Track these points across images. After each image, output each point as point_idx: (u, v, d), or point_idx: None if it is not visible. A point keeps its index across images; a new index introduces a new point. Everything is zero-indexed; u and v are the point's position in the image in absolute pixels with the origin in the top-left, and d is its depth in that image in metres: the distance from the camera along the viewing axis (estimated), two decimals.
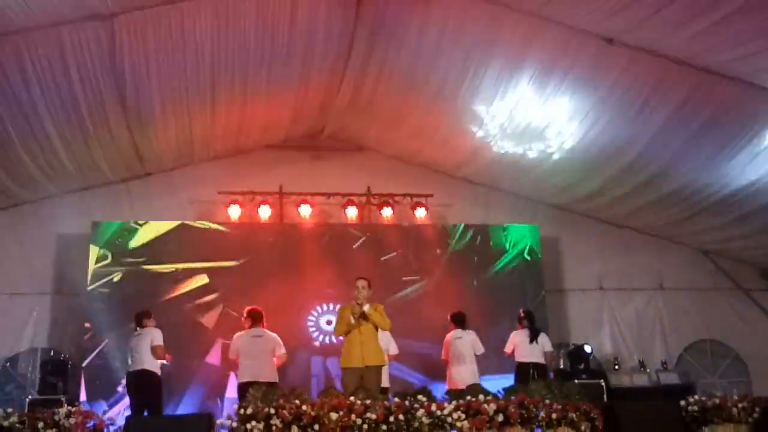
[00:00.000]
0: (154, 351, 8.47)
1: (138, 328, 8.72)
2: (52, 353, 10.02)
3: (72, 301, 10.22)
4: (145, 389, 8.39)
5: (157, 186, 10.95)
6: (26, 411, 7.81)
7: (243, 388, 8.09)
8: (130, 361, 8.56)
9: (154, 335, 8.58)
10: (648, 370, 10.98)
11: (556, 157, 9.88)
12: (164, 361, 8.66)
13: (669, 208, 10.54)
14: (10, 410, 6.12)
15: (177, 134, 9.88)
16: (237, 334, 8.88)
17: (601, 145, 9.37)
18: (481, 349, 9.16)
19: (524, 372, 9.00)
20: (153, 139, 9.81)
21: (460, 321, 9.33)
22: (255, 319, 8.87)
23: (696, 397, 7.20)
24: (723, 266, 11.99)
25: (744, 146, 8.56)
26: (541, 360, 9.28)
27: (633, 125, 8.80)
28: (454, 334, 9.22)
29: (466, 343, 9.12)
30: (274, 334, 8.93)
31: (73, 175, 10.01)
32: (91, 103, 8.32)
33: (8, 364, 9.99)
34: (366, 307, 7.24)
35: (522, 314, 9.64)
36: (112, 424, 6.07)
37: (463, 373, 8.89)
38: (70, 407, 6.26)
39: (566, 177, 10.53)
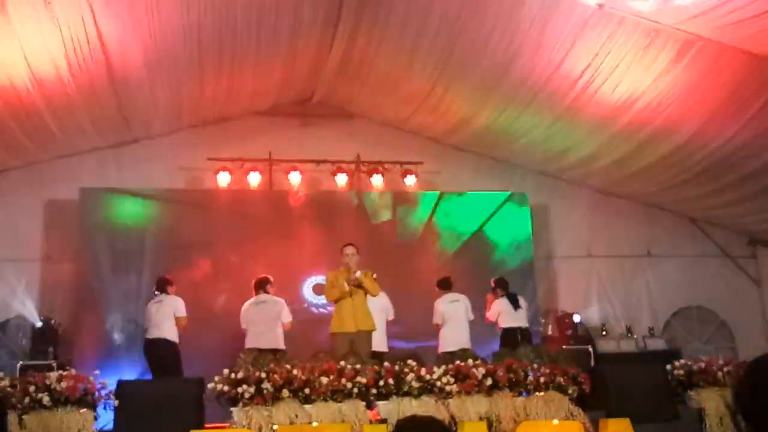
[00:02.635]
0: (178, 321, 8.47)
1: (158, 293, 8.71)
2: (42, 319, 10.01)
3: (61, 267, 10.20)
4: (165, 358, 8.36)
5: (145, 152, 10.85)
6: (17, 376, 7.87)
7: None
8: (148, 328, 8.54)
9: (176, 305, 8.55)
10: (635, 336, 11.09)
11: (542, 127, 9.76)
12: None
13: (659, 175, 10.56)
14: (1, 374, 6.12)
15: (164, 99, 9.79)
16: (245, 303, 8.88)
17: (594, 108, 9.32)
18: (471, 316, 9.21)
19: (512, 337, 9.06)
20: (140, 105, 9.72)
21: (448, 285, 9.38)
22: (259, 285, 8.87)
23: (682, 361, 7.28)
24: (711, 234, 12.08)
25: (735, 111, 8.55)
26: (526, 324, 9.36)
27: (627, 88, 8.76)
28: (449, 297, 9.25)
29: (461, 306, 9.16)
30: (280, 300, 8.91)
31: (60, 141, 9.91)
32: (76, 68, 8.21)
33: None
34: (358, 274, 7.28)
35: (494, 284, 9.65)
36: (103, 388, 6.06)
37: (461, 336, 8.92)
38: (61, 371, 6.27)
39: (557, 144, 10.51)
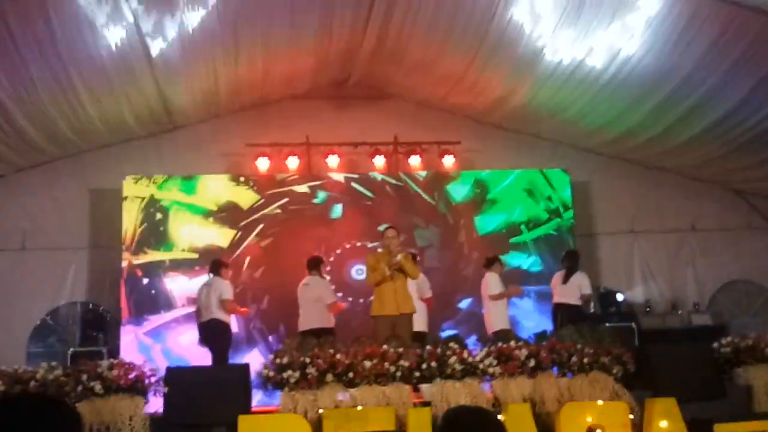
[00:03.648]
0: (223, 305, 8.65)
1: (210, 276, 8.90)
2: (91, 306, 10.26)
3: (108, 254, 10.43)
4: (215, 340, 8.61)
5: (185, 139, 10.99)
6: (69, 363, 8.09)
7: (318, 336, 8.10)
8: (200, 312, 8.78)
9: (222, 289, 8.73)
10: (680, 312, 10.96)
11: (597, 87, 9.55)
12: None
13: (702, 148, 10.35)
14: (54, 364, 6.30)
15: (202, 86, 9.87)
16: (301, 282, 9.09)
17: (635, 81, 9.13)
18: (495, 289, 9.14)
19: (554, 313, 9.05)
20: (179, 92, 9.82)
21: (487, 264, 9.39)
22: (310, 266, 9.05)
23: (729, 338, 7.17)
24: (757, 205, 11.82)
25: None
26: (572, 301, 9.28)
27: (670, 58, 8.58)
28: (490, 277, 9.28)
29: (487, 284, 9.18)
30: (323, 281, 9.05)
31: (102, 131, 10.09)
32: (116, 56, 8.32)
33: (49, 317, 10.26)
34: (399, 257, 7.32)
35: (564, 254, 9.69)
36: (153, 375, 6.21)
37: (490, 317, 8.98)
38: (112, 359, 6.43)
39: (597, 118, 10.35)
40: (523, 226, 10.98)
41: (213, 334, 8.64)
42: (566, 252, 9.88)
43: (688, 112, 9.48)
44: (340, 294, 9.79)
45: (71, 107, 8.98)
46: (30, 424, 1.59)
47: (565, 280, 9.35)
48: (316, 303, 8.80)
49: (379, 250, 7.95)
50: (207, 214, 10.47)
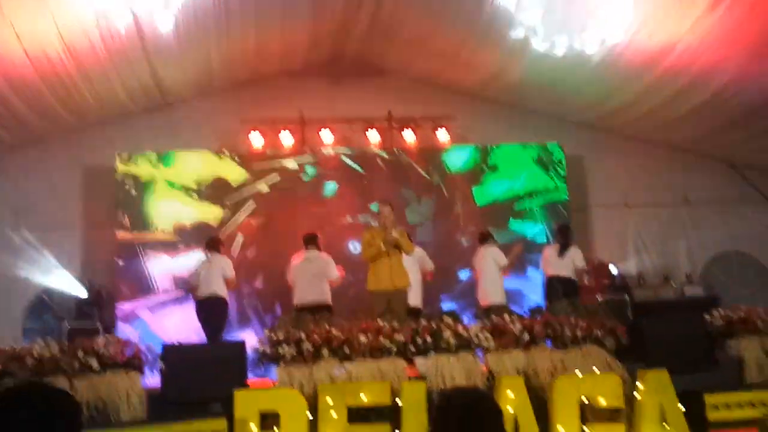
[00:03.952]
0: (227, 283, 8.73)
1: (208, 254, 8.90)
2: (86, 282, 10.27)
3: (102, 232, 10.43)
4: (214, 315, 8.67)
5: (179, 116, 10.92)
6: (65, 339, 8.12)
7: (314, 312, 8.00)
8: (198, 287, 8.75)
9: (225, 267, 8.79)
10: (672, 284, 11.03)
11: (592, 63, 9.55)
12: None
13: (697, 122, 10.34)
14: (50, 340, 6.32)
15: (195, 62, 9.82)
16: (293, 258, 9.00)
17: (631, 55, 9.12)
18: (503, 261, 9.14)
19: (550, 286, 9.09)
20: (172, 68, 9.76)
21: (482, 238, 9.43)
22: (306, 241, 8.99)
23: (721, 311, 7.23)
24: (750, 178, 11.85)
25: None
26: (568, 274, 9.32)
27: (664, 34, 8.56)
28: (479, 252, 9.31)
29: (483, 258, 9.19)
30: (326, 256, 9.04)
31: (95, 108, 10.04)
32: (107, 36, 8.25)
33: (44, 294, 10.26)
34: (394, 233, 7.35)
35: (555, 228, 9.72)
36: (150, 352, 6.24)
37: (488, 290, 8.99)
38: (108, 336, 6.46)
39: (593, 92, 10.34)
40: (525, 198, 11.04)
41: (213, 309, 8.68)
42: (559, 226, 9.93)
43: (683, 88, 9.47)
44: None
45: (62, 83, 8.91)
46: (30, 415, 1.61)
47: (561, 253, 9.37)
48: (316, 277, 8.78)
49: (374, 224, 7.98)
50: (190, 191, 10.47)
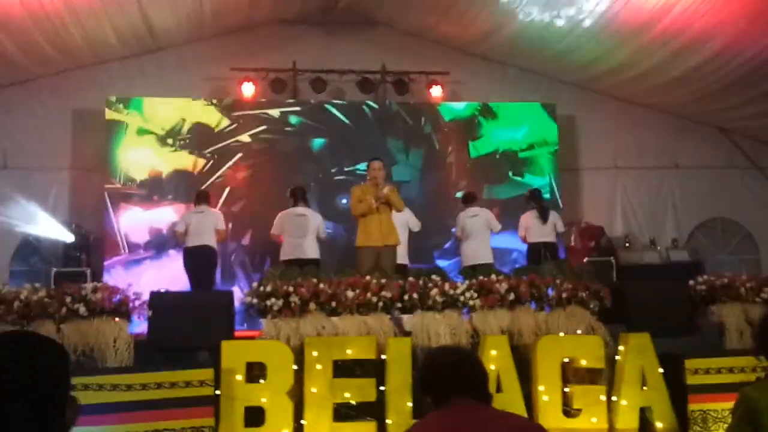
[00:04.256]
0: (218, 234, 8.83)
1: (199, 206, 8.94)
2: (73, 227, 10.24)
3: (90, 176, 10.37)
4: (206, 265, 8.77)
5: (169, 62, 10.79)
6: (52, 283, 8.13)
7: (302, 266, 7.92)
8: (189, 237, 8.75)
9: (217, 219, 8.90)
10: (658, 248, 11.13)
11: (573, 35, 9.52)
12: None
13: (691, 85, 10.33)
14: (38, 285, 6.32)
15: (186, 5, 9.63)
16: (284, 211, 8.89)
17: (626, 17, 9.03)
18: (497, 226, 9.20)
19: (535, 251, 9.13)
20: (163, 11, 9.58)
21: (471, 199, 9.41)
22: (298, 197, 8.93)
23: (705, 276, 7.30)
24: (740, 144, 11.89)
25: None
26: (552, 239, 9.39)
27: None
28: (468, 212, 9.29)
29: (480, 220, 9.20)
30: (317, 214, 9.02)
31: (85, 50, 9.88)
32: None
33: (32, 237, 10.23)
34: (386, 190, 7.33)
35: (527, 194, 9.71)
36: (137, 298, 6.25)
37: (478, 251, 9.01)
38: (95, 283, 6.46)
39: (587, 53, 10.27)
40: (528, 149, 11.05)
41: (204, 258, 8.74)
42: (532, 191, 9.82)
43: (678, 51, 9.41)
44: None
45: (49, 20, 8.73)
46: (18, 364, 1.60)
47: (543, 219, 9.38)
48: (311, 234, 8.79)
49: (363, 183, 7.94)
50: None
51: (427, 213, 9.88)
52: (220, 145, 10.45)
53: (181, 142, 10.40)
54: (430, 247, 10.23)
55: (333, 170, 10.60)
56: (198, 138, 10.42)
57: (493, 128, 11.07)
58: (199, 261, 8.72)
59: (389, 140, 10.79)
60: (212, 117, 10.51)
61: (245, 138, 10.52)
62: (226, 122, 10.51)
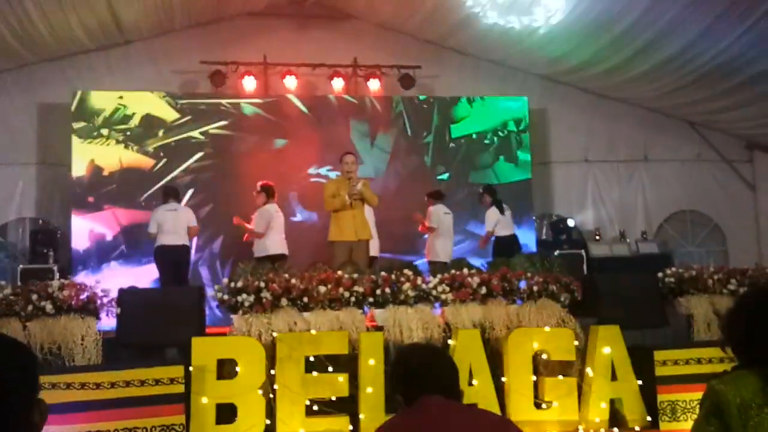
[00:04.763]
0: (191, 230, 8.78)
1: (171, 203, 8.83)
2: (40, 222, 10.08)
3: (57, 171, 10.21)
4: (182, 263, 8.74)
5: (138, 55, 10.65)
6: (19, 280, 7.99)
7: (274, 261, 7.82)
8: (164, 235, 8.63)
9: (189, 216, 8.85)
10: (628, 241, 11.24)
11: (542, 31, 9.63)
12: None
13: (659, 79, 10.43)
14: (2, 282, 6.21)
15: None
16: (265, 207, 8.82)
17: (594, 14, 9.11)
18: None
19: (506, 245, 9.18)
20: (130, 4, 9.44)
21: (441, 196, 9.48)
22: (271, 194, 8.91)
23: (673, 268, 7.38)
24: (708, 138, 12.03)
25: (738, 17, 8.38)
26: (512, 230, 9.51)
27: None
28: (441, 208, 9.32)
29: (451, 219, 9.29)
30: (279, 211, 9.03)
31: (50, 43, 9.70)
32: None
33: None
34: (359, 186, 7.32)
35: (482, 191, 9.72)
36: (105, 296, 6.16)
37: (447, 248, 9.13)
38: (62, 280, 6.36)
39: (557, 47, 10.32)
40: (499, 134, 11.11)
41: (180, 257, 8.70)
42: (486, 186, 9.88)
43: (646, 45, 9.50)
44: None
45: (14, 12, 8.56)
46: None
47: (503, 212, 9.48)
48: (281, 230, 8.81)
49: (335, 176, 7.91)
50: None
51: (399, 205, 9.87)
52: (178, 137, 10.26)
53: (146, 137, 10.19)
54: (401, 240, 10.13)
55: (300, 165, 10.48)
56: (149, 132, 10.22)
57: (465, 122, 11.06)
58: (175, 259, 8.65)
59: (352, 121, 10.70)
60: (168, 112, 10.31)
61: (201, 132, 10.35)
62: (178, 116, 10.30)
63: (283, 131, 10.53)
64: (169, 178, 10.07)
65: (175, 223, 8.65)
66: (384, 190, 9.93)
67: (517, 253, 8.04)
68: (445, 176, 10.78)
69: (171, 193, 8.97)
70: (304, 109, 10.64)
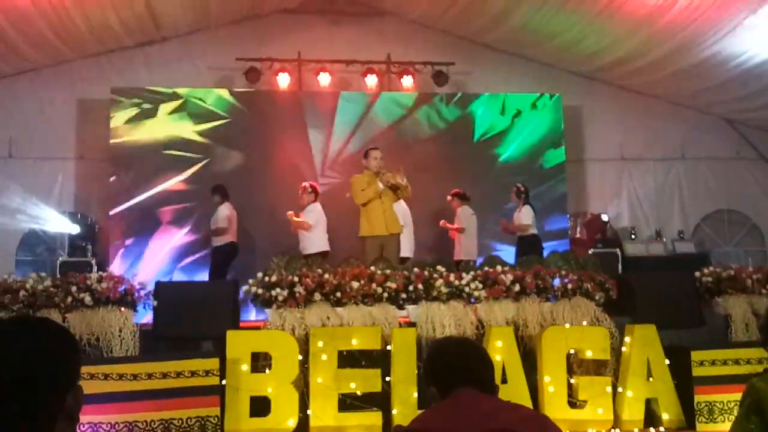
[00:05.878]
0: (214, 231, 9.10)
1: (228, 201, 9.24)
2: (79, 216, 10.24)
3: (96, 166, 10.36)
4: (232, 260, 9.12)
5: (174, 51, 10.76)
6: (58, 273, 8.14)
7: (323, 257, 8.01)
8: (232, 233, 9.15)
9: (218, 214, 9.13)
10: (664, 240, 11.08)
11: (594, 13, 9.41)
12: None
13: (698, 76, 10.25)
14: (43, 274, 6.34)
15: None
16: (314, 204, 8.90)
17: (636, 5, 8.98)
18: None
19: (532, 243, 9.15)
20: (168, 0, 9.55)
21: (466, 198, 9.48)
22: (317, 193, 9.07)
23: (711, 268, 7.27)
24: (747, 136, 11.82)
25: None
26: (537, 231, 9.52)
27: None
28: (468, 209, 9.39)
29: (476, 220, 9.43)
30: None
31: (89, 40, 9.86)
32: None
33: (36, 226, 10.24)
34: (397, 177, 7.34)
35: (522, 188, 9.63)
36: (142, 288, 6.26)
37: (472, 248, 9.23)
38: (101, 272, 6.47)
39: (593, 44, 10.20)
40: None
41: (235, 254, 9.13)
42: (521, 186, 9.68)
43: (684, 43, 9.34)
44: None
45: (54, 10, 8.70)
46: (33, 345, 1.59)
47: (535, 212, 9.49)
48: (325, 227, 8.91)
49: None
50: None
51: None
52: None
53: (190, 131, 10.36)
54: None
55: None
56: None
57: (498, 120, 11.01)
58: (231, 257, 9.07)
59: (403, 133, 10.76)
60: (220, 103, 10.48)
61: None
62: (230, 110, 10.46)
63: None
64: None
65: (235, 220, 9.11)
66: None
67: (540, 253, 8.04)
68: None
69: (225, 191, 9.29)
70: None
